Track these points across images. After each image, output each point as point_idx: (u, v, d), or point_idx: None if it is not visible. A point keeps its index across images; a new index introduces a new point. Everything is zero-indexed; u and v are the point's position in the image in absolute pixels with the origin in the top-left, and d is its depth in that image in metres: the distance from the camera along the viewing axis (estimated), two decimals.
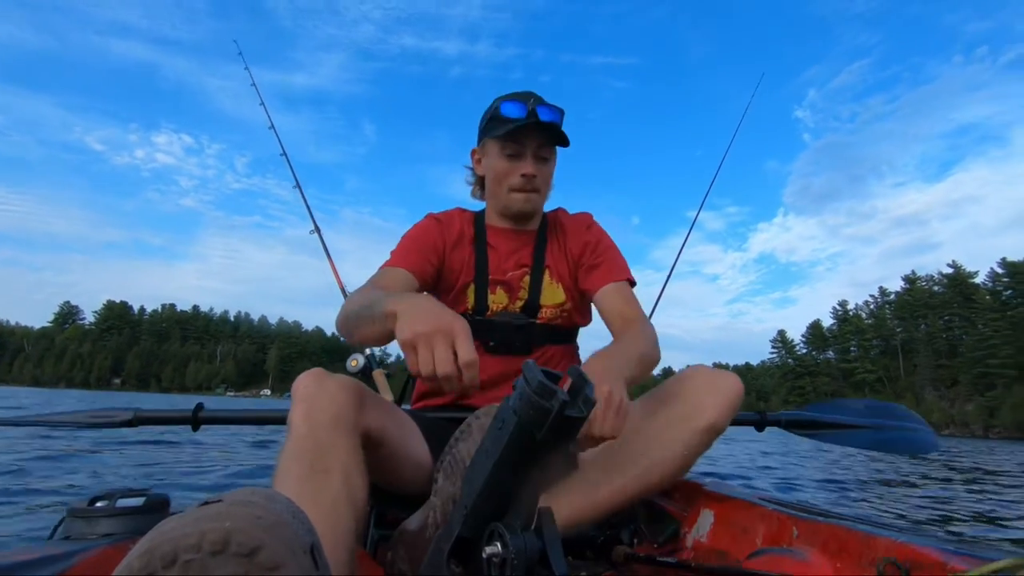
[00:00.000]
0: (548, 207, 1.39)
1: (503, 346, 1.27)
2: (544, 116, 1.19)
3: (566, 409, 0.55)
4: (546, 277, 1.31)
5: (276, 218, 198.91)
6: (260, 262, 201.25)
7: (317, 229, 2.34)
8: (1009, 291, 69.80)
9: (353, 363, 1.73)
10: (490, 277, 1.29)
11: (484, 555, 0.62)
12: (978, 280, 73.02)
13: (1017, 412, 60.20)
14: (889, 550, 0.64)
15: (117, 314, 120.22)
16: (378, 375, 1.77)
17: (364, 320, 0.94)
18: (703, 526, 1.07)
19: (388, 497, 1.02)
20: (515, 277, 1.30)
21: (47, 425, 1.36)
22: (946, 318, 72.52)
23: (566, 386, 0.57)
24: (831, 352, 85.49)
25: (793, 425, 1.52)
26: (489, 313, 1.28)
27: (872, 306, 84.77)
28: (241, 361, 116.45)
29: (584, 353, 1.46)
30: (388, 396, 1.80)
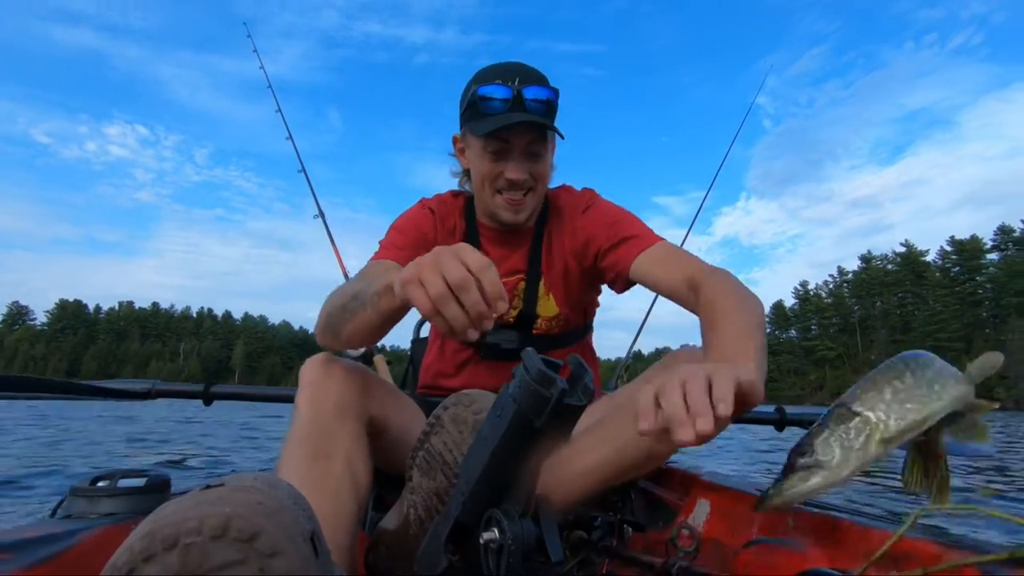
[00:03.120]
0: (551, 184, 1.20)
1: (497, 357, 1.22)
2: (532, 99, 1.01)
3: (565, 397, 0.56)
4: (541, 286, 1.19)
5: (239, 211, 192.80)
6: (223, 256, 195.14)
7: (321, 213, 2.30)
8: (957, 268, 73.16)
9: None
10: None
11: (481, 541, 0.62)
12: (929, 258, 76.32)
13: None
14: (883, 542, 0.65)
15: (71, 313, 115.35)
16: (379, 361, 1.75)
17: (352, 311, 0.84)
18: (699, 515, 1.08)
19: (391, 481, 1.01)
20: (508, 285, 1.18)
21: (66, 392, 1.30)
22: (900, 295, 75.63)
23: (566, 374, 0.57)
24: (793, 331, 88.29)
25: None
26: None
27: (831, 285, 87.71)
28: (205, 358, 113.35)
29: (597, 343, 1.39)
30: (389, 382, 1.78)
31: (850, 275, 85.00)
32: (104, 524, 0.79)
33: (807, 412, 1.53)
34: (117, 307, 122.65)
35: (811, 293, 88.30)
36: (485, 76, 1.05)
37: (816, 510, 0.83)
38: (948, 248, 74.36)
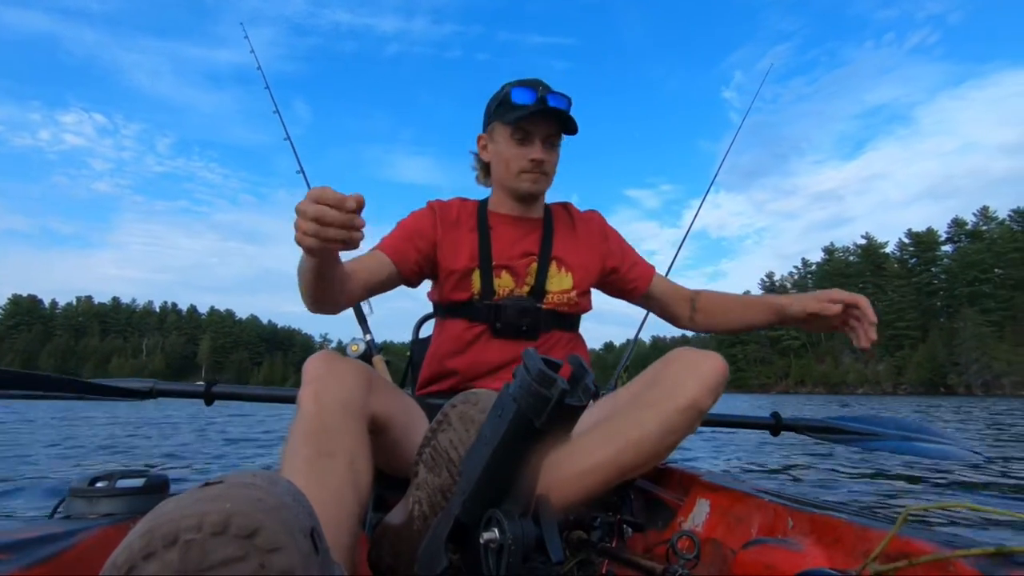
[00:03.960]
0: (554, 199, 1.42)
1: (509, 329, 1.26)
2: (553, 103, 1.20)
3: (566, 397, 0.56)
4: (552, 266, 1.31)
5: (204, 203, 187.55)
6: (187, 249, 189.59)
7: None
8: (914, 259, 76.02)
9: (354, 348, 1.69)
10: (494, 263, 1.28)
11: (481, 541, 0.62)
12: (888, 250, 79.08)
13: (920, 370, 66.14)
14: (882, 542, 0.65)
15: (25, 309, 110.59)
16: (378, 361, 1.73)
17: (300, 272, 0.98)
18: (699, 515, 1.08)
19: (390, 482, 1.01)
20: (521, 265, 1.29)
21: (65, 391, 1.25)
22: (860, 285, 78.05)
23: (567, 374, 0.57)
24: None
25: (813, 431, 1.48)
26: (496, 297, 1.27)
27: (796, 276, 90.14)
28: (170, 354, 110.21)
29: (588, 340, 1.46)
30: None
31: (814, 266, 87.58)
32: (103, 524, 0.78)
33: (802, 417, 1.53)
34: (75, 302, 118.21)
35: (777, 284, 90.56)
36: (515, 84, 1.25)
37: (815, 510, 0.84)
38: (906, 240, 77.24)
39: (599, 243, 1.37)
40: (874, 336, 1.16)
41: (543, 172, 1.26)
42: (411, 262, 1.24)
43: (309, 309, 1.09)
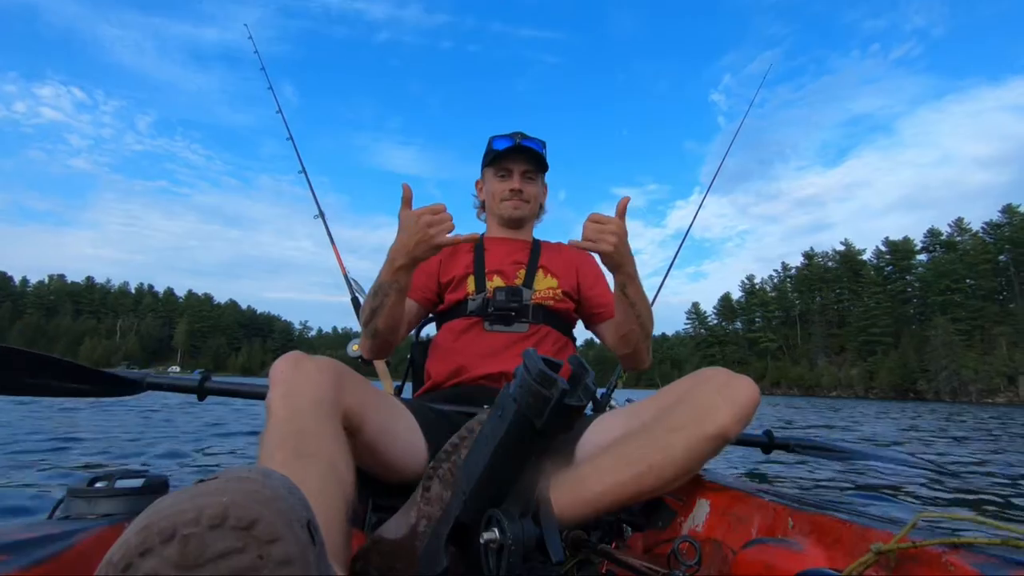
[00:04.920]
0: (548, 213, 1.65)
1: (500, 315, 1.37)
2: (526, 144, 1.46)
3: (566, 398, 0.56)
4: (539, 272, 1.47)
5: (185, 184, 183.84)
6: (166, 231, 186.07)
7: (322, 214, 2.24)
8: (890, 267, 77.52)
9: (355, 347, 1.69)
10: (487, 268, 1.45)
11: (481, 541, 0.62)
12: (865, 257, 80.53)
13: (892, 375, 67.64)
14: (882, 542, 0.66)
15: None
16: (379, 363, 1.73)
17: (373, 300, 1.20)
18: (699, 515, 1.08)
19: (378, 487, 1.00)
20: (511, 270, 1.46)
21: (42, 376, 1.19)
22: (837, 291, 79.55)
23: (566, 374, 0.58)
24: (739, 323, 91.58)
25: (803, 448, 1.54)
26: (489, 295, 1.40)
27: (775, 280, 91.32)
28: (145, 336, 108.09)
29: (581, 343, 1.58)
30: (388, 383, 1.86)
31: (793, 270, 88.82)
32: (102, 525, 0.77)
33: (793, 436, 1.56)
34: (47, 280, 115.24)
35: (757, 287, 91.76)
36: (497, 136, 1.51)
37: (815, 510, 0.84)
38: (883, 248, 78.72)
39: (580, 264, 1.54)
40: (589, 235, 1.12)
41: (523, 200, 1.51)
42: (430, 292, 1.45)
43: (374, 355, 1.33)
